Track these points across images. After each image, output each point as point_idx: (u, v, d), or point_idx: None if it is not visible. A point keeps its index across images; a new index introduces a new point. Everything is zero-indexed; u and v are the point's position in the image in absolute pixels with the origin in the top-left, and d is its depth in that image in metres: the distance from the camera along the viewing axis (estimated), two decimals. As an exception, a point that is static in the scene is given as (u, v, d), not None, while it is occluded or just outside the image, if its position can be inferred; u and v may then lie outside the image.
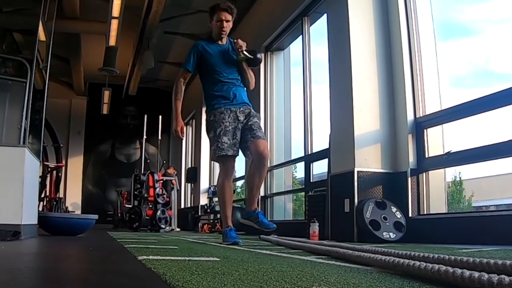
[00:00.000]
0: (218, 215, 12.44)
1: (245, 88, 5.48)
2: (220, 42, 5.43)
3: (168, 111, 20.06)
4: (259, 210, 5.51)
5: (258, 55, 5.48)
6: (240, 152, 5.35)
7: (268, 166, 5.46)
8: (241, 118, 5.26)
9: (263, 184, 10.70)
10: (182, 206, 17.61)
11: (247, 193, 5.53)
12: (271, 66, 11.40)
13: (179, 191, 15.50)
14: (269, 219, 10.45)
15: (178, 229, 13.65)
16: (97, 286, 1.91)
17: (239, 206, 11.62)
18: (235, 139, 5.21)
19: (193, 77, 5.49)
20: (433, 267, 1.89)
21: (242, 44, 5.37)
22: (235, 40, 5.42)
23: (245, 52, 5.32)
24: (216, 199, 12.70)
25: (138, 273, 2.24)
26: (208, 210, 13.74)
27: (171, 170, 15.34)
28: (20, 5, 10.46)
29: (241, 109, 5.29)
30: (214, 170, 15.77)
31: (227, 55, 5.40)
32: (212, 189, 14.27)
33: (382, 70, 7.25)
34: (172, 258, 2.79)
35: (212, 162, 15.83)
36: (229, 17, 5.34)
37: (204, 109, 13.95)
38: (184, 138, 19.48)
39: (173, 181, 14.51)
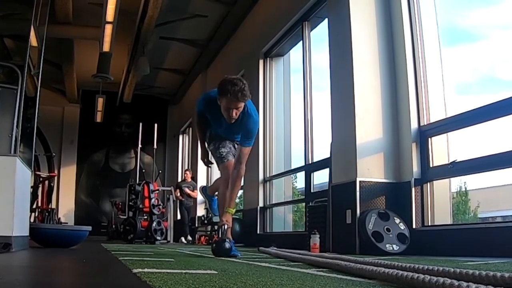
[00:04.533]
0: (216, 227, 12.43)
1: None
2: None
3: (163, 119, 20.23)
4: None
5: (226, 244, 5.06)
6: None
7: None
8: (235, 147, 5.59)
9: (262, 195, 10.73)
10: (179, 217, 17.58)
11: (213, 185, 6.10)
12: (270, 72, 11.42)
13: (175, 202, 15.45)
14: (268, 231, 10.50)
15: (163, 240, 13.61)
16: (91, 300, 1.92)
17: (237, 217, 11.62)
18: (231, 148, 5.51)
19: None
20: (437, 280, 1.89)
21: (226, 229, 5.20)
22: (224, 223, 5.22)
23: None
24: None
25: (133, 286, 2.24)
26: (205, 222, 13.73)
27: (188, 175, 15.17)
28: (11, 10, 10.46)
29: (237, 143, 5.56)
30: (211, 178, 15.76)
31: (230, 127, 5.19)
32: (209, 185, 14.31)
33: (385, 76, 7.27)
34: (168, 271, 2.79)
35: (210, 170, 15.89)
36: (241, 105, 4.88)
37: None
38: (181, 148, 19.53)
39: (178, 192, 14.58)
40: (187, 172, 15.02)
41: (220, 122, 5.17)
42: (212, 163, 5.84)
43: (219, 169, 5.63)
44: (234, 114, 4.87)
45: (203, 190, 6.29)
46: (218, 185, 5.80)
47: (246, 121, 5.07)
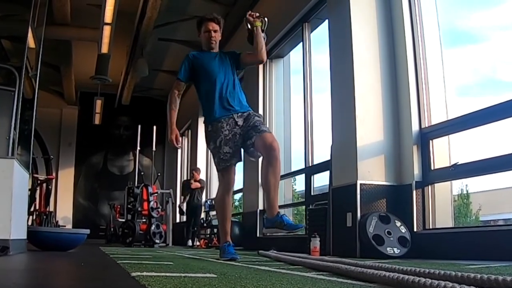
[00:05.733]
0: (215, 230, 12.43)
1: (242, 93, 5.49)
2: (211, 52, 5.53)
3: (162, 121, 20.10)
4: (282, 213, 5.20)
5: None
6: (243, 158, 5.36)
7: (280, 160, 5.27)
8: (240, 122, 5.23)
9: (262, 198, 10.68)
10: (178, 221, 17.57)
11: (265, 197, 5.31)
12: (270, 74, 11.41)
13: (174, 205, 15.42)
14: (268, 234, 10.47)
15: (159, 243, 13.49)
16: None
17: (237, 220, 11.62)
18: (237, 146, 5.20)
19: (189, 86, 5.51)
20: (439, 284, 1.89)
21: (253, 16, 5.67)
22: (249, 13, 5.69)
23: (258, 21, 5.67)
24: (213, 213, 12.69)
25: (131, 290, 2.24)
26: (205, 225, 13.71)
27: (195, 176, 14.63)
28: (9, 11, 10.47)
29: (239, 114, 5.28)
30: (211, 183, 15.75)
31: (220, 61, 5.45)
32: (208, 202, 14.25)
33: (385, 78, 7.27)
34: (167, 274, 2.79)
35: (209, 174, 15.84)
36: (216, 27, 5.54)
37: (200, 119, 14.00)
38: (180, 149, 19.43)
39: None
40: (194, 173, 14.62)
41: (212, 62, 5.44)
42: (180, 146, 5.79)
43: (218, 176, 5.43)
44: (213, 34, 5.50)
45: (265, 224, 5.51)
46: (269, 197, 5.18)
47: (223, 51, 5.70)
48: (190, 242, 13.71)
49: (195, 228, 13.92)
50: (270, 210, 5.15)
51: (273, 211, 5.10)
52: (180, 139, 5.61)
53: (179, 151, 19.52)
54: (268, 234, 5.33)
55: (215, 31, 5.52)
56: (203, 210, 14.55)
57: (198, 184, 14.03)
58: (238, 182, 11.94)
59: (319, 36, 9.81)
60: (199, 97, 5.51)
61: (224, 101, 5.28)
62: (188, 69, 5.42)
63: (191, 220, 14.00)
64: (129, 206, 12.99)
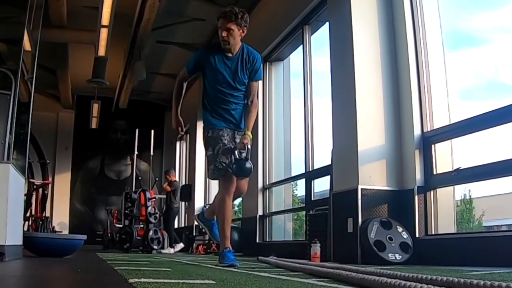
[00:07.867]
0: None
1: (243, 111, 5.45)
2: (229, 54, 5.26)
3: (160, 125, 20.21)
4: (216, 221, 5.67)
5: (247, 164, 5.12)
6: None
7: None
8: (237, 139, 5.28)
9: (261, 203, 10.71)
10: (176, 226, 17.56)
11: (212, 206, 5.78)
12: (270, 77, 11.41)
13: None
14: (268, 239, 10.49)
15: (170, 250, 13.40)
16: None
17: (236, 226, 11.60)
18: (230, 159, 5.18)
19: (188, 88, 5.48)
20: (441, 290, 1.89)
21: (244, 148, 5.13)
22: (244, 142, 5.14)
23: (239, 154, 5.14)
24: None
25: (129, 297, 2.24)
26: (203, 230, 13.66)
27: (170, 178, 14.55)
28: (4, 13, 10.47)
29: (238, 132, 5.34)
30: (210, 187, 15.74)
31: (235, 70, 5.25)
32: (206, 208, 14.19)
33: (387, 82, 7.27)
34: (165, 280, 2.79)
35: (208, 179, 15.80)
36: (230, 25, 5.08)
37: (199, 123, 14.00)
38: (178, 154, 19.45)
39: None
40: (167, 176, 14.44)
41: (226, 69, 5.22)
42: (184, 134, 5.77)
43: (219, 180, 5.42)
44: (224, 34, 5.07)
45: (200, 216, 6.04)
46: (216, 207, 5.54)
47: (247, 53, 5.28)
48: (170, 249, 13.41)
49: (168, 233, 13.70)
50: (210, 215, 5.84)
51: (213, 217, 5.79)
52: (183, 126, 5.62)
53: (177, 155, 19.53)
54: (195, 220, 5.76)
55: (228, 30, 5.07)
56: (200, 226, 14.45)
57: (167, 188, 13.97)
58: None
59: (320, 39, 9.82)
60: (202, 95, 5.45)
61: (228, 115, 5.30)
62: (197, 65, 5.34)
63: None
64: (126, 211, 12.98)
